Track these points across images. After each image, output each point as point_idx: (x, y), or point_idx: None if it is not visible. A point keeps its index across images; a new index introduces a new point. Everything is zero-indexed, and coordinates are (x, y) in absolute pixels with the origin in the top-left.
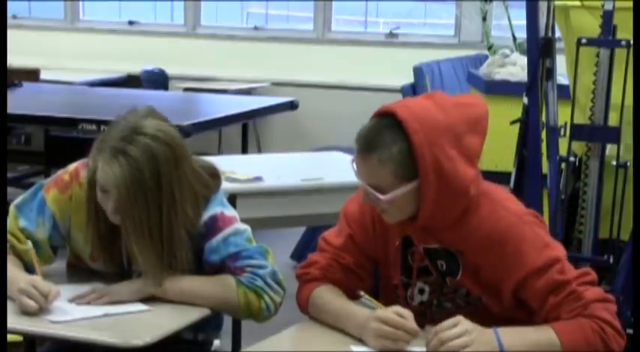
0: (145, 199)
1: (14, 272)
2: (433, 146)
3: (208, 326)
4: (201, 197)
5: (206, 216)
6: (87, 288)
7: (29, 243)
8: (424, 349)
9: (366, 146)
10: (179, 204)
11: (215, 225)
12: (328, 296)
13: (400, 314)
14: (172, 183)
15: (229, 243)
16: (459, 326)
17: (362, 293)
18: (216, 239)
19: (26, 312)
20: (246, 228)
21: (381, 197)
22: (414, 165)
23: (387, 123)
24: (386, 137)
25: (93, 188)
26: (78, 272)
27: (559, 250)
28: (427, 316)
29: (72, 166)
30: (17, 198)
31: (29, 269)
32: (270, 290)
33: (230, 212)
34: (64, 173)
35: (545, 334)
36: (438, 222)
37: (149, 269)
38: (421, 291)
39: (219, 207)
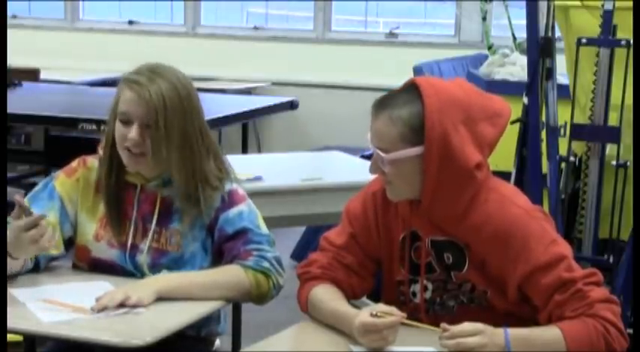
0: (183, 113)
1: None
2: (444, 115)
3: (211, 320)
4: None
5: (224, 190)
6: (88, 286)
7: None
8: (422, 348)
9: (380, 104)
10: (207, 132)
11: (232, 198)
12: (325, 295)
13: (378, 315)
14: (200, 112)
15: (243, 218)
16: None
17: (375, 312)
18: (232, 211)
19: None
20: (257, 210)
21: (384, 156)
22: (421, 132)
23: (406, 88)
24: (400, 98)
25: (111, 146)
26: (81, 273)
27: (566, 247)
28: (430, 313)
29: (80, 157)
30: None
31: (37, 263)
32: (276, 272)
33: (242, 191)
34: (73, 163)
35: (551, 335)
36: (444, 209)
37: (182, 182)
38: (424, 288)
39: (234, 184)
